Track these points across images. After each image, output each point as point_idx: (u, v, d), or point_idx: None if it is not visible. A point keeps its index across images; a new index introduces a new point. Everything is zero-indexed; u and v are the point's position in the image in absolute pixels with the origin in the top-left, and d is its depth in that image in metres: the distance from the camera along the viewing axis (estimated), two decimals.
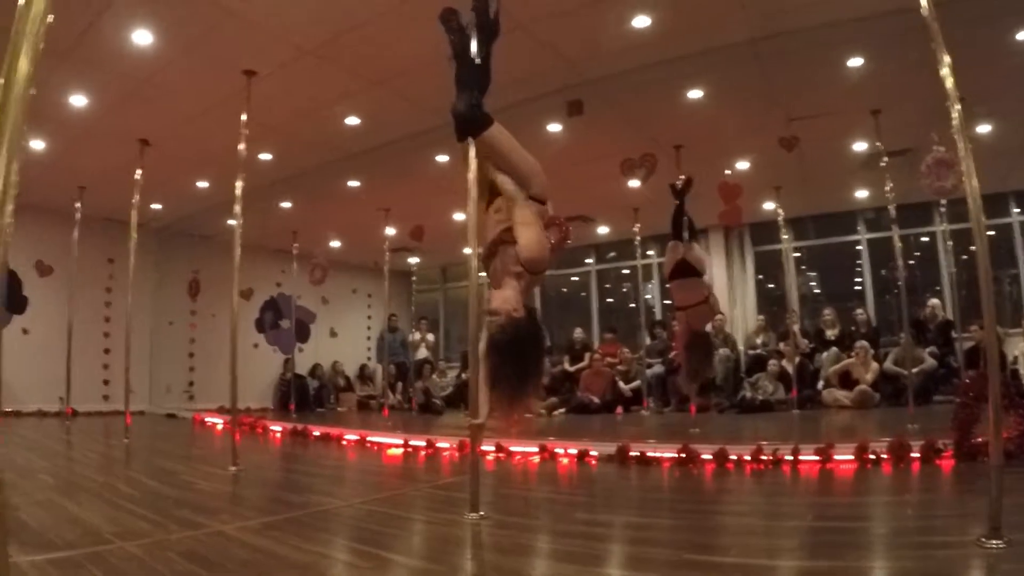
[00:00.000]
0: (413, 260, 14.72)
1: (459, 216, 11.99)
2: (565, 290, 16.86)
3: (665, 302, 14.63)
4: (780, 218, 10.62)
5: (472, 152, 3.62)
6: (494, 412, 3.47)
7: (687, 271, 6.96)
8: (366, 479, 5.64)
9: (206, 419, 11.14)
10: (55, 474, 5.13)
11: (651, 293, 14.95)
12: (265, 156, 9.71)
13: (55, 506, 3.72)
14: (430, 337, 16.18)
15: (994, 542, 2.50)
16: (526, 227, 3.37)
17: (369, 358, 17.12)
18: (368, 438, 7.73)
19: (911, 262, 12.20)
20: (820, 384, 10.59)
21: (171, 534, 3.06)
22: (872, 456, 4.84)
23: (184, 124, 8.56)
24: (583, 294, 15.93)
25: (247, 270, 6.68)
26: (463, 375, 13.63)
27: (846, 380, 10.22)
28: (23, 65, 1.55)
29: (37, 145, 9.02)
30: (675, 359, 10.62)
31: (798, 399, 9.88)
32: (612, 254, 15.64)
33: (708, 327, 8.08)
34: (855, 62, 7.18)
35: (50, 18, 1.64)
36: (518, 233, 3.41)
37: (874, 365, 10.09)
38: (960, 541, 2.66)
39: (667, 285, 7.46)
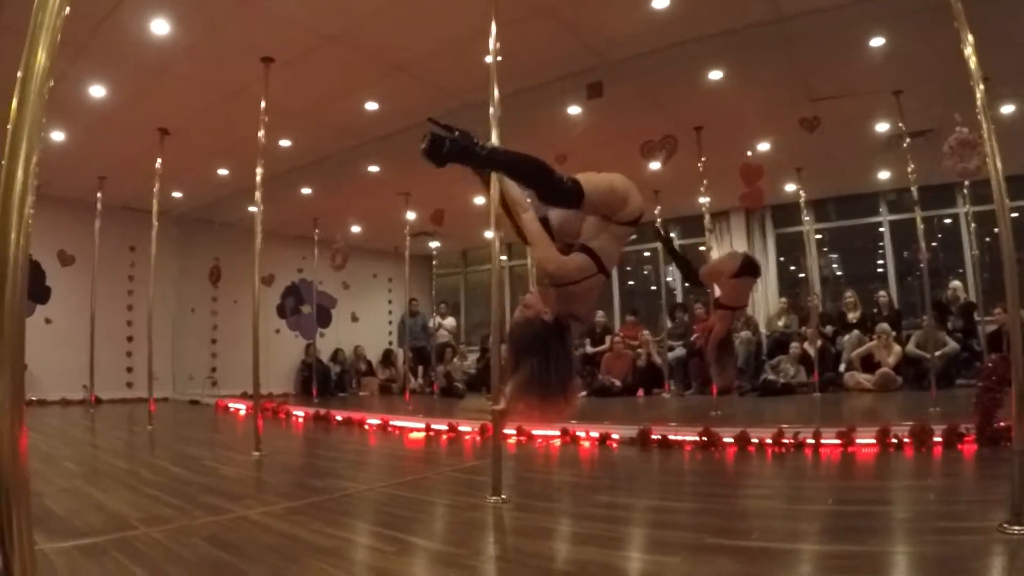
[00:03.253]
0: (433, 244, 14.73)
1: (479, 200, 11.99)
2: None
3: (686, 284, 14.57)
4: (802, 200, 10.54)
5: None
6: (511, 402, 3.46)
7: (754, 270, 6.73)
8: (388, 463, 5.67)
9: (229, 405, 11.23)
10: (80, 461, 5.19)
11: (672, 276, 14.89)
12: (285, 143, 9.71)
13: (80, 493, 3.76)
14: (451, 321, 16.18)
15: (1016, 528, 2.49)
16: (534, 247, 3.33)
17: (391, 343, 17.17)
18: (390, 422, 7.76)
19: (934, 244, 12.12)
20: (842, 367, 10.54)
21: (195, 520, 3.09)
22: (894, 440, 4.82)
23: (203, 112, 8.57)
24: None
25: (268, 256, 6.70)
26: (484, 358, 13.65)
27: (868, 363, 10.18)
28: (41, 58, 1.56)
29: (57, 136, 9.07)
30: (697, 343, 10.59)
31: (820, 382, 9.84)
32: (633, 236, 15.48)
33: None
34: (877, 42, 7.10)
35: (67, 10, 1.64)
36: (532, 252, 3.39)
37: (896, 348, 10.03)
38: (982, 527, 2.64)
39: (725, 281, 7.04)
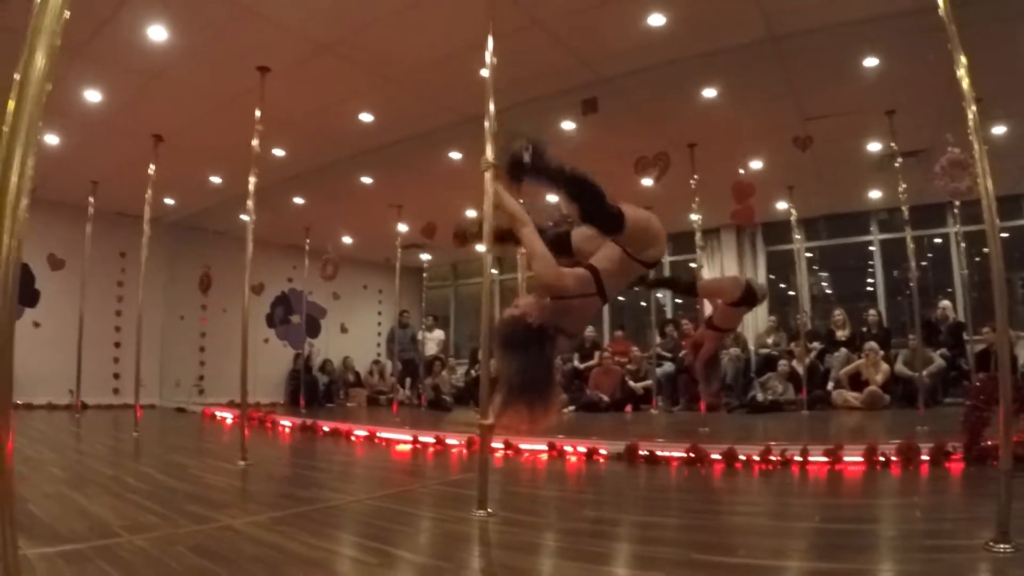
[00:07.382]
0: (424, 257, 14.73)
1: (471, 213, 11.99)
2: None
3: (676, 301, 14.58)
4: (793, 218, 10.59)
5: (489, 177, 3.72)
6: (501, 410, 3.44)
7: (751, 301, 6.79)
8: (375, 475, 5.65)
9: (215, 413, 11.18)
10: (65, 467, 5.16)
11: (661, 292, 14.90)
12: (278, 152, 9.71)
13: (64, 499, 3.74)
14: (440, 334, 16.17)
15: (1002, 546, 2.49)
16: (534, 260, 3.35)
17: (379, 354, 17.14)
18: (377, 434, 7.73)
19: (923, 263, 12.16)
20: (830, 385, 10.54)
21: (179, 528, 3.07)
22: (881, 458, 4.82)
23: (198, 120, 8.57)
24: None
25: (258, 265, 6.69)
26: (473, 372, 13.63)
27: (856, 381, 10.20)
28: (39, 60, 1.56)
29: (51, 140, 9.05)
30: (685, 359, 10.62)
31: (808, 400, 9.86)
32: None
33: None
34: (870, 62, 7.14)
35: (67, 14, 1.64)
36: (531, 263, 3.43)
37: (884, 367, 10.06)
38: (968, 545, 2.65)
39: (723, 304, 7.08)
